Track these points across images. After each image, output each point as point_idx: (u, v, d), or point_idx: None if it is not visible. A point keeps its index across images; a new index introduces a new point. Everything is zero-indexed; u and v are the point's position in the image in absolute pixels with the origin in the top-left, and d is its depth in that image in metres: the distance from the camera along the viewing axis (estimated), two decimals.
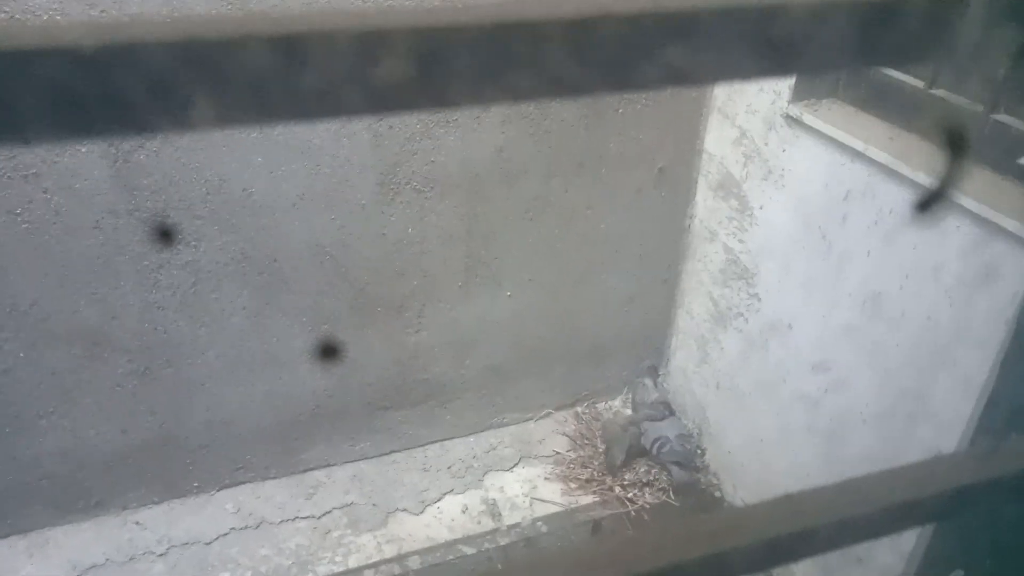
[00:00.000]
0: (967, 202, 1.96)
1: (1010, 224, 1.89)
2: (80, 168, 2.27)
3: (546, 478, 3.14)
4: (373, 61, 0.25)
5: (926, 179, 2.10)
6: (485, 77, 0.26)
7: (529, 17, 0.25)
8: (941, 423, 2.15)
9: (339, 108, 0.26)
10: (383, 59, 0.25)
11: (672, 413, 3.19)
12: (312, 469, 3.05)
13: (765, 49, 0.28)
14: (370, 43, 0.25)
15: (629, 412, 3.34)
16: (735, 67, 0.28)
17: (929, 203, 0.33)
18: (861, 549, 2.42)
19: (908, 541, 2.25)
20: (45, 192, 2.27)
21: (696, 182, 3.06)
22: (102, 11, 2.11)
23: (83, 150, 2.25)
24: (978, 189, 1.98)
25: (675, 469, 3.08)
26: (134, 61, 0.23)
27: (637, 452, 3.16)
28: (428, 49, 0.25)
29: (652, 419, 3.16)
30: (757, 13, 0.28)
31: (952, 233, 2.03)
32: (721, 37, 0.27)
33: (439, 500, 3.03)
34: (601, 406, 3.42)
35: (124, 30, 0.23)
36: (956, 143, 0.33)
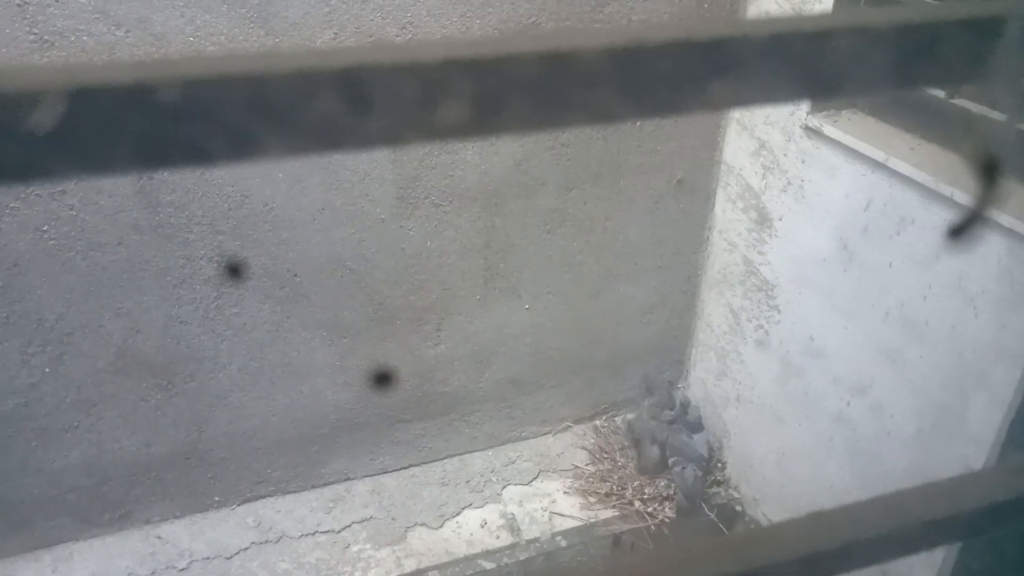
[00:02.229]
0: (990, 211, 1.94)
1: None
2: (105, 185, 2.31)
3: (565, 492, 3.13)
4: (411, 93, 0.25)
5: (948, 189, 2.08)
6: (520, 106, 0.27)
7: (565, 48, 0.26)
8: (962, 432, 2.12)
9: (380, 139, 0.26)
10: (419, 91, 0.25)
11: (702, 429, 3.16)
12: (332, 483, 3.06)
13: (796, 74, 0.28)
14: (407, 75, 0.25)
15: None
16: (766, 92, 0.29)
17: (963, 228, 0.33)
18: (887, 564, 2.38)
19: (936, 557, 2.22)
20: (71, 209, 2.30)
21: (715, 193, 3.05)
22: (127, 31, 2.15)
23: None
24: (1002, 199, 1.95)
25: (679, 497, 3.05)
26: (208, 97, 0.24)
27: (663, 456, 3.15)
28: (470, 79, 0.26)
29: (680, 431, 3.13)
30: (787, 39, 0.28)
31: (975, 243, 2.01)
32: (751, 63, 0.28)
33: (458, 514, 3.02)
34: (620, 419, 3.40)
35: (195, 67, 0.24)
36: (989, 166, 0.33)
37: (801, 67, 0.28)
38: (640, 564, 0.45)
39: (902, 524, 0.41)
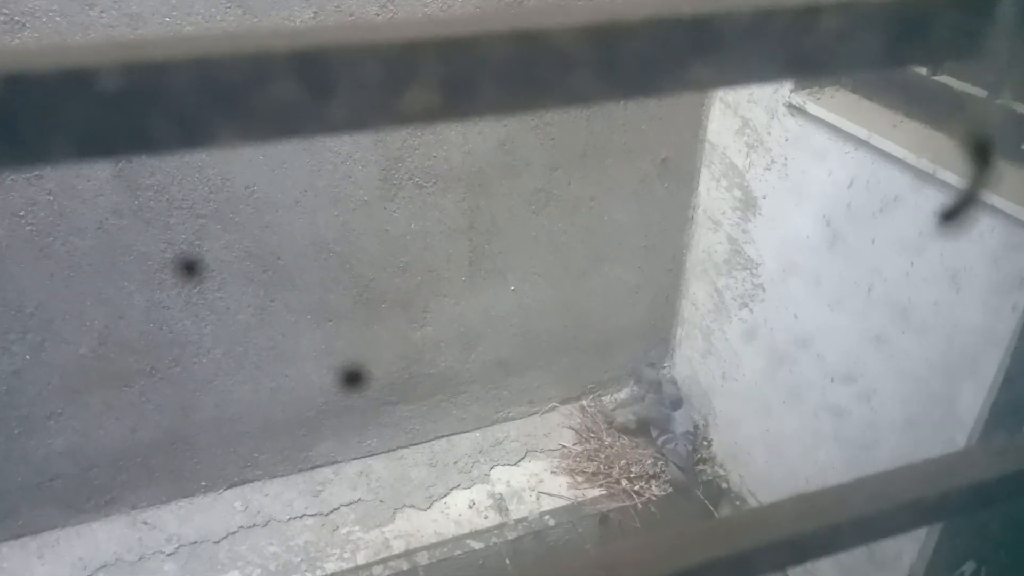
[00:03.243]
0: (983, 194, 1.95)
1: (1012, 209, 1.88)
2: (83, 169, 2.27)
3: (552, 472, 3.14)
4: (385, 74, 0.25)
5: (930, 166, 2.09)
6: (494, 89, 0.26)
7: (540, 27, 0.25)
8: (945, 408, 2.14)
9: (349, 123, 0.26)
10: (394, 72, 0.25)
11: (682, 404, 3.20)
12: (320, 466, 3.06)
13: (783, 53, 0.28)
14: (381, 56, 0.24)
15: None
16: (752, 71, 0.28)
17: (956, 211, 0.33)
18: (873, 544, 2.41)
19: (920, 532, 2.25)
20: (48, 194, 2.27)
21: (699, 172, 3.05)
22: (101, 12, 2.10)
23: None
24: (994, 181, 1.96)
25: (673, 468, 3.08)
26: (153, 82, 0.23)
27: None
28: (436, 61, 0.25)
29: (664, 406, 3.16)
30: (774, 16, 0.27)
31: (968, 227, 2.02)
32: (736, 41, 0.27)
33: (446, 495, 3.04)
34: (607, 399, 3.42)
35: (140, 51, 0.23)
36: (982, 148, 0.33)
37: (788, 45, 0.28)
38: (628, 549, 0.45)
39: (888, 505, 0.41)
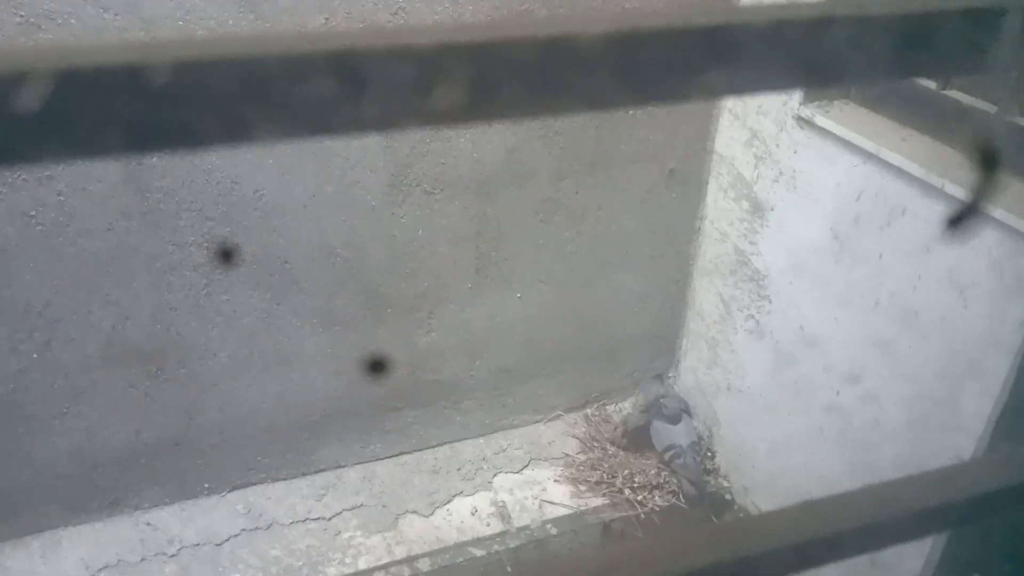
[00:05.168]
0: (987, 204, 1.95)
1: (1016, 222, 1.88)
2: (93, 171, 2.29)
3: (556, 480, 3.14)
4: (406, 78, 0.25)
5: (938, 180, 2.09)
6: (516, 92, 0.26)
7: (562, 33, 0.25)
8: (953, 423, 2.13)
9: (373, 124, 0.26)
10: (415, 76, 0.25)
11: (684, 415, 3.18)
12: (323, 470, 3.06)
13: (794, 62, 0.28)
14: (402, 60, 0.25)
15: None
16: (764, 80, 0.28)
17: (960, 219, 0.33)
18: (877, 553, 2.40)
19: (925, 544, 2.24)
20: (59, 195, 2.28)
21: (707, 183, 3.05)
22: (116, 14, 2.12)
23: None
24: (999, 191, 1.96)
25: (685, 483, 3.06)
26: (181, 81, 0.24)
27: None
28: (458, 65, 0.26)
29: (665, 420, 3.15)
30: (786, 26, 0.28)
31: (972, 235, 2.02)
32: (749, 50, 0.27)
33: (449, 502, 3.03)
34: (611, 408, 3.41)
35: (187, 49, 0.24)
36: (988, 158, 0.33)
37: (799, 55, 0.28)
38: (631, 553, 0.45)
39: (892, 513, 0.42)
